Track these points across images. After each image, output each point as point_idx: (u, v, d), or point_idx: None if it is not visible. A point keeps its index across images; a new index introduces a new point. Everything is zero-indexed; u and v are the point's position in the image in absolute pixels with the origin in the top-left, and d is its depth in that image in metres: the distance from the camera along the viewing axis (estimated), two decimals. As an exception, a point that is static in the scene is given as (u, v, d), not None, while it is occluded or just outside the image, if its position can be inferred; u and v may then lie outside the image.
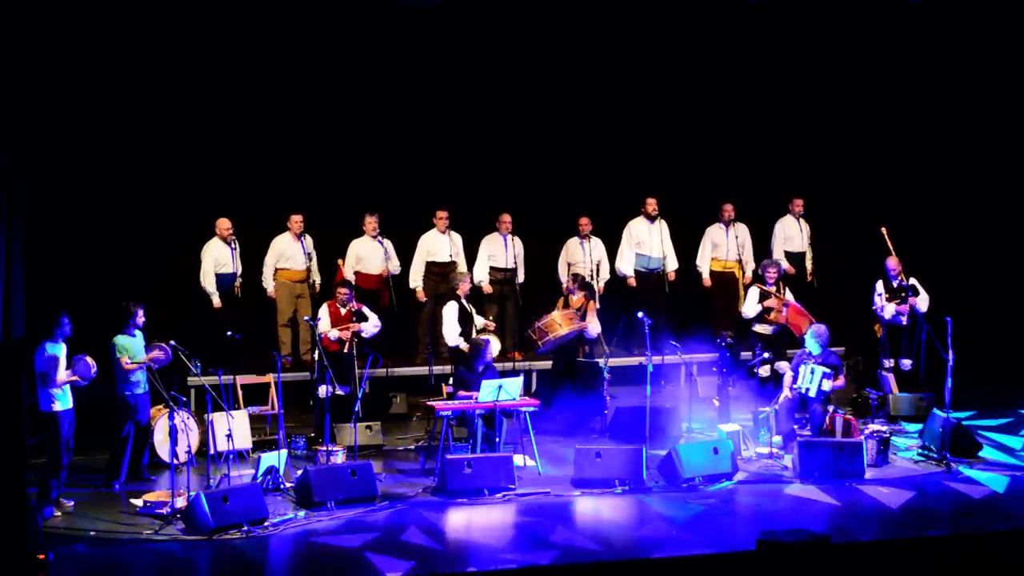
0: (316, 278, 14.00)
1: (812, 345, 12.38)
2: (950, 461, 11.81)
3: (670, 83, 15.51)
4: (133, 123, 13.77)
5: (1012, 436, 12.91)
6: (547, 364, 14.01)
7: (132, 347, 11.23)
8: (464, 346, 12.74)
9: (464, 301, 13.14)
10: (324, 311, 12.80)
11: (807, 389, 12.16)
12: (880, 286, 13.89)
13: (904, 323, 13.79)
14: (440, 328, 14.25)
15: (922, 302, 13.72)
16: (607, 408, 12.89)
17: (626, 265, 14.89)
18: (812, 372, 12.15)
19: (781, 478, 11.59)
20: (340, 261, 13.99)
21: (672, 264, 14.93)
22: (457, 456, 11.20)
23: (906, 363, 13.89)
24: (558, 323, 13.20)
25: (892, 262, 13.85)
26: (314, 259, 14.00)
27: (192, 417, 11.70)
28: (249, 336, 11.88)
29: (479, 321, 13.27)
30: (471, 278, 13.67)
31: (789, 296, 13.76)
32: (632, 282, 14.86)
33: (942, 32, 15.61)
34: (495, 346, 13.19)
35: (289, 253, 13.92)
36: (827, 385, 12.12)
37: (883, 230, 13.96)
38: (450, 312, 12.99)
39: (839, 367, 12.37)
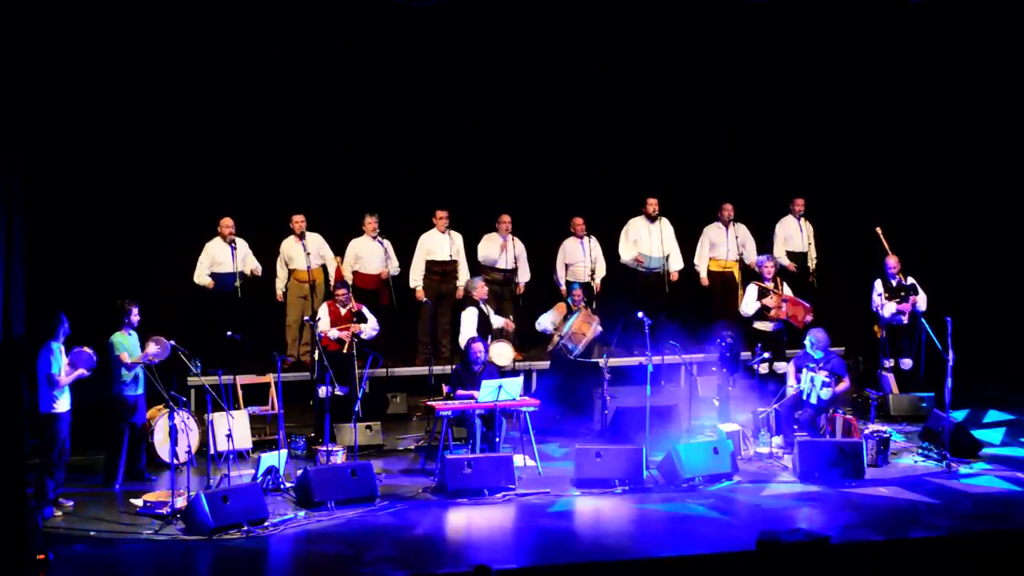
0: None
1: (812, 351, 12.38)
2: (950, 461, 11.82)
3: (670, 83, 15.50)
4: (133, 123, 13.76)
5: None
6: (546, 364, 14.01)
7: (129, 345, 11.24)
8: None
9: (483, 306, 13.18)
10: (324, 311, 12.82)
11: (806, 393, 12.17)
12: (879, 286, 13.90)
13: (904, 322, 13.80)
14: (440, 328, 14.30)
15: (921, 301, 13.75)
16: (607, 408, 12.89)
17: (626, 254, 14.87)
18: (812, 380, 12.15)
19: (781, 478, 11.59)
20: (338, 260, 13.99)
21: (676, 264, 14.92)
22: (457, 456, 11.20)
23: (906, 363, 13.90)
24: (580, 332, 13.19)
25: (891, 261, 13.87)
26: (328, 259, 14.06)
27: (192, 417, 11.70)
28: (249, 336, 11.86)
29: (497, 321, 13.27)
30: (482, 281, 13.62)
31: (787, 291, 13.77)
32: (640, 259, 14.77)
33: (942, 32, 15.60)
34: (505, 350, 13.14)
35: (293, 254, 13.92)
36: (826, 393, 12.11)
37: (878, 230, 14.00)
38: (468, 317, 13.02)
39: (842, 373, 12.35)
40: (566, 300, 13.75)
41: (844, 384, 12.32)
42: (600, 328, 13.38)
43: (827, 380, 12.13)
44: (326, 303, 12.99)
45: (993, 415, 13.69)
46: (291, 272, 13.95)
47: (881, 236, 13.96)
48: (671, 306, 14.79)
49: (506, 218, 14.40)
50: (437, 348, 14.13)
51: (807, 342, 12.45)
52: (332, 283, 13.70)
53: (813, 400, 12.16)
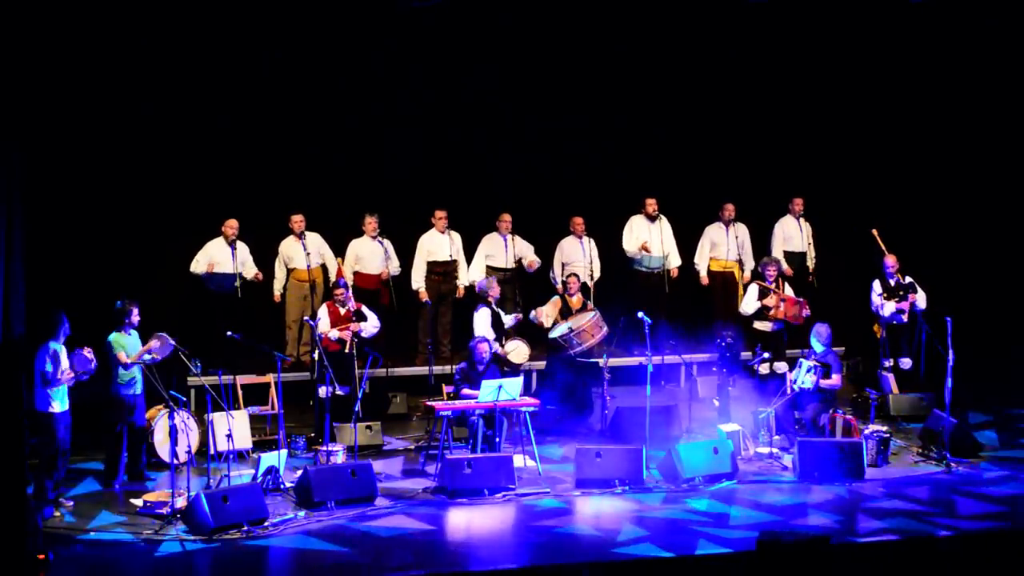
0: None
1: (814, 344, 12.43)
2: (950, 461, 11.82)
3: (670, 83, 15.49)
4: (133, 123, 13.75)
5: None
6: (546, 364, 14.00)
7: (127, 345, 11.23)
8: (499, 351, 12.79)
9: (494, 306, 13.20)
10: (323, 311, 12.81)
11: (795, 377, 12.20)
12: (877, 285, 13.90)
13: (904, 321, 13.80)
14: (440, 328, 14.30)
15: (921, 299, 13.75)
16: (607, 408, 12.89)
17: (630, 247, 14.85)
18: (800, 366, 12.21)
19: (781, 478, 11.59)
20: (339, 261, 13.99)
21: (675, 262, 14.93)
22: (457, 456, 11.20)
23: (905, 363, 13.90)
24: (589, 333, 13.18)
25: (890, 260, 13.87)
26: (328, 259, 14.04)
27: (192, 417, 11.70)
28: (249, 336, 11.86)
29: (507, 320, 13.27)
30: (496, 282, 13.62)
31: (788, 291, 13.75)
32: (647, 247, 14.73)
33: (942, 32, 15.59)
34: (522, 349, 13.14)
35: (293, 254, 13.93)
36: (808, 381, 12.10)
37: (874, 231, 14.00)
38: (482, 318, 13.04)
39: (833, 366, 12.34)
40: (562, 295, 13.72)
41: (833, 380, 12.28)
42: (605, 335, 13.34)
43: (813, 366, 12.13)
44: (325, 304, 12.98)
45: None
46: (291, 272, 13.97)
47: (877, 237, 13.97)
48: (671, 306, 14.79)
49: (507, 217, 14.39)
50: (437, 348, 14.12)
51: (812, 335, 12.48)
52: (332, 281, 13.70)
53: (796, 387, 12.17)
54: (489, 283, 13.40)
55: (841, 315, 14.35)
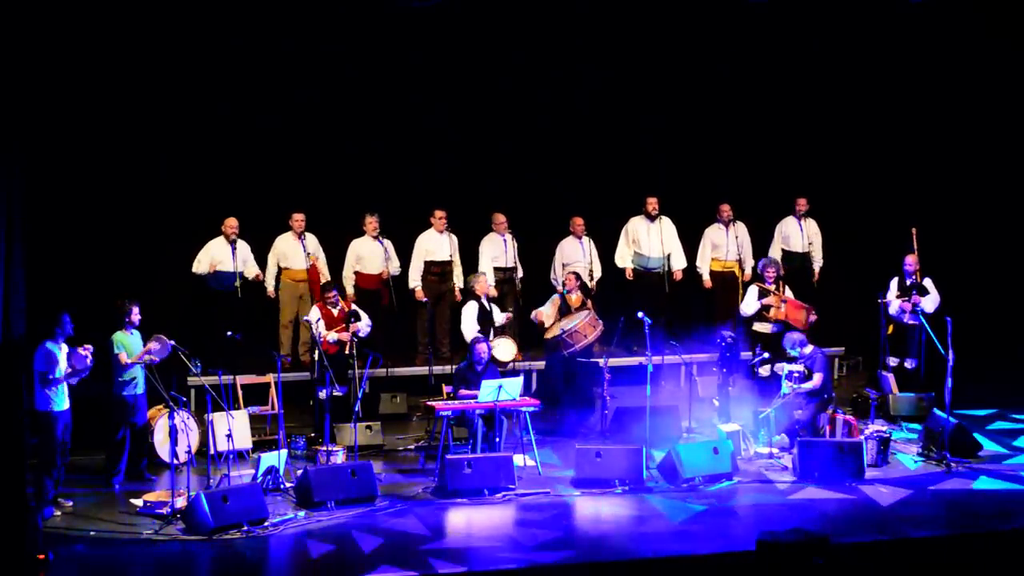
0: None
1: (792, 352, 12.46)
2: (950, 461, 11.82)
3: (670, 83, 15.49)
4: (133, 122, 13.75)
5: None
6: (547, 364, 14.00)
7: (130, 344, 11.23)
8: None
9: (484, 300, 13.19)
10: (316, 314, 12.75)
11: (783, 392, 12.23)
12: (895, 284, 13.88)
13: (905, 321, 13.77)
14: (440, 328, 14.29)
15: (928, 303, 13.68)
16: (607, 408, 12.89)
17: (621, 261, 14.91)
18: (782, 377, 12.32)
19: (781, 478, 11.59)
20: (313, 257, 13.94)
21: (679, 263, 14.92)
22: (457, 456, 11.20)
23: (909, 363, 13.87)
24: (583, 333, 13.16)
25: (911, 259, 13.83)
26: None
27: (192, 417, 11.69)
28: (249, 336, 11.86)
29: (499, 318, 13.27)
30: (487, 279, 13.63)
31: (789, 294, 13.75)
32: (629, 274, 14.85)
33: (942, 32, 15.59)
34: (508, 346, 13.15)
35: (290, 253, 13.92)
36: (784, 387, 12.12)
37: (913, 230, 13.94)
38: (469, 311, 13.05)
39: (815, 366, 12.29)
40: (561, 293, 13.72)
41: (814, 381, 12.24)
42: (601, 332, 13.35)
43: (788, 373, 12.19)
44: (316, 305, 12.93)
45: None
46: (285, 271, 13.93)
47: (914, 237, 13.90)
48: (671, 306, 14.79)
49: (500, 217, 14.37)
50: (437, 348, 14.12)
51: (786, 347, 12.48)
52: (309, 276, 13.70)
53: (783, 391, 12.19)
54: (475, 279, 13.38)
55: (841, 315, 14.35)
